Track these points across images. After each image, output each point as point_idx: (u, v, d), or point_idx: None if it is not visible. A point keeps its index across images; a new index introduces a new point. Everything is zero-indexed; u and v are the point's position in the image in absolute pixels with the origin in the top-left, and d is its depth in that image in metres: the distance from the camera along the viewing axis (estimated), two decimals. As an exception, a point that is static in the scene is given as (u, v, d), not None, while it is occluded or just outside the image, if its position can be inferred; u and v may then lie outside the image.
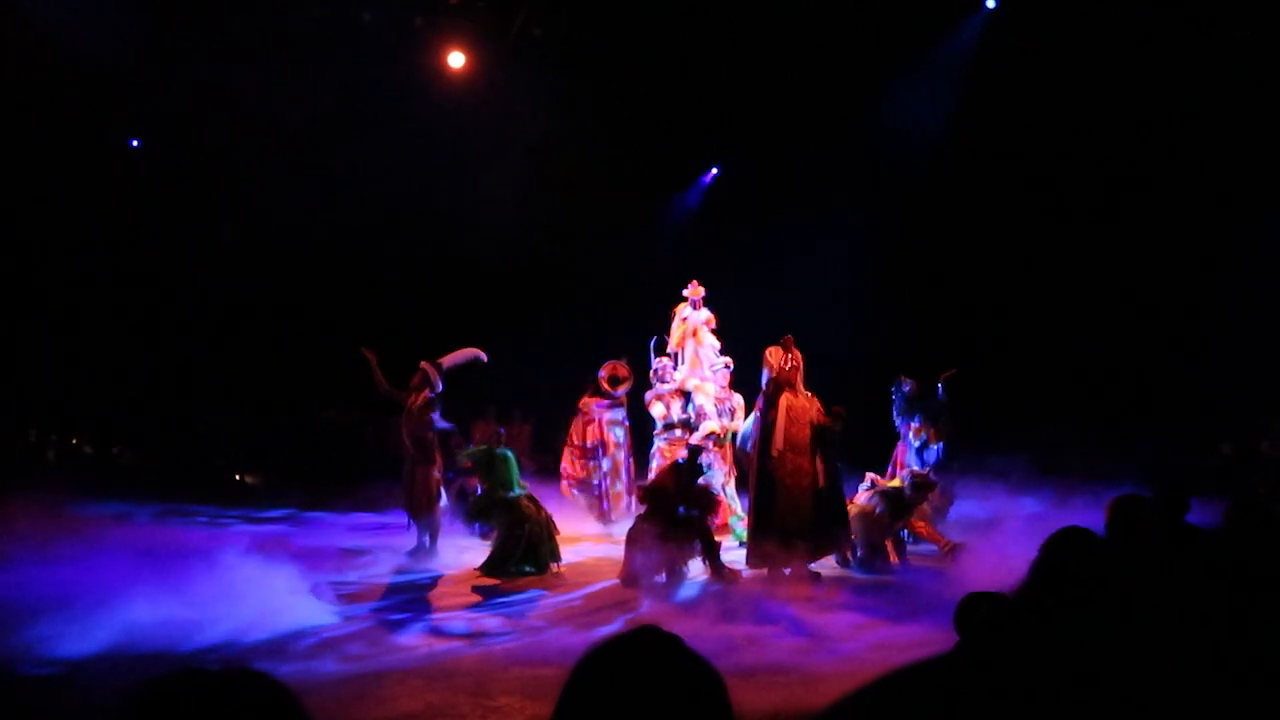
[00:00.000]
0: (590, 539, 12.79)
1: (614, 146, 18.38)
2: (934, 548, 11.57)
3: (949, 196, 18.62)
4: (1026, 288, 18.68)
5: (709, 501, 10.90)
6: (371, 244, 19.56)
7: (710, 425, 12.63)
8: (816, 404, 10.61)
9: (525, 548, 10.62)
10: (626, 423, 14.00)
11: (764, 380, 10.68)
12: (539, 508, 11.13)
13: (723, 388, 13.14)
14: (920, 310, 18.78)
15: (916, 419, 12.94)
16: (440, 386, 11.72)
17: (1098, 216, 18.34)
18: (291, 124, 17.25)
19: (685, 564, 10.29)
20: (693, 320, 13.34)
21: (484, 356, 12.33)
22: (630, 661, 1.47)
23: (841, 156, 18.36)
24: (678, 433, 12.88)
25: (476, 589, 9.77)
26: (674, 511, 10.22)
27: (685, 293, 13.54)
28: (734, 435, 12.40)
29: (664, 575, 9.94)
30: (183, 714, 1.19)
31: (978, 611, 3.84)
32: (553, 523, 11.07)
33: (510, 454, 11.39)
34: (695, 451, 11.04)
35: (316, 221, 18.36)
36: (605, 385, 13.95)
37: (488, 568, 10.55)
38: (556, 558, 10.91)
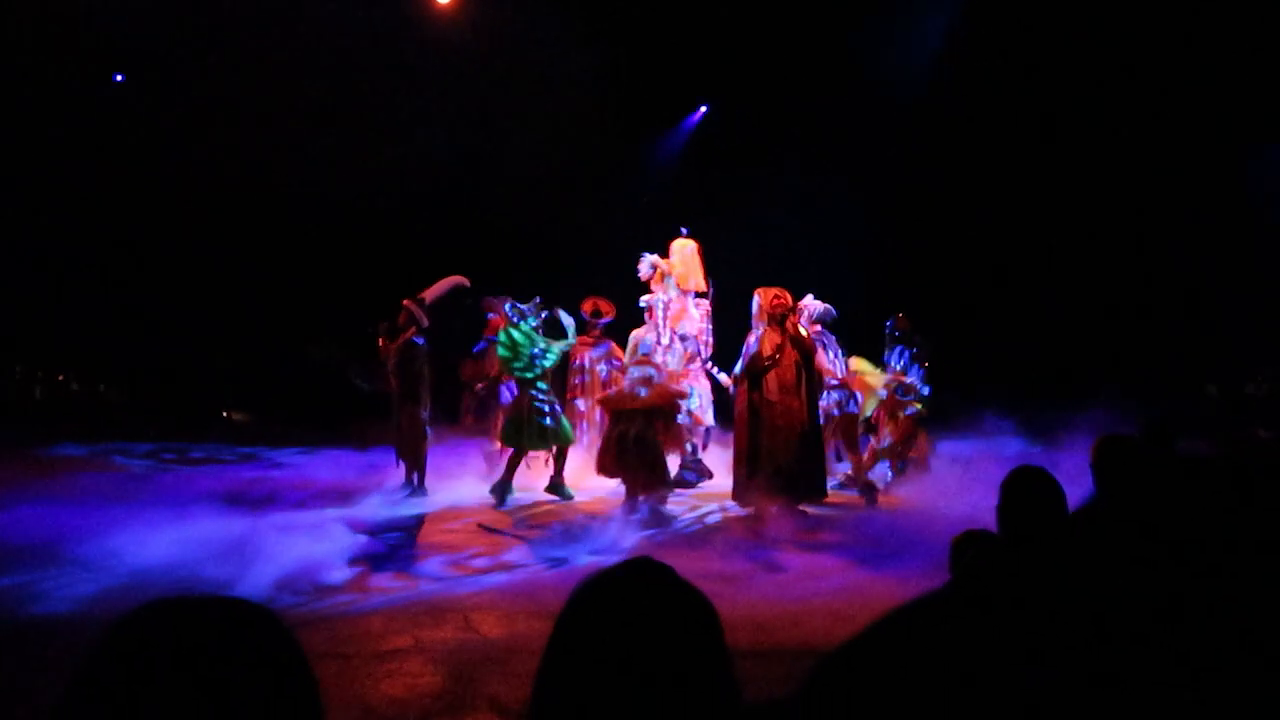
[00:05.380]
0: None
1: (603, 84, 18.18)
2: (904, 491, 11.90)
3: (940, 135, 18.50)
4: (1017, 226, 18.62)
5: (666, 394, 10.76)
6: (357, 182, 19.34)
7: None
8: (806, 338, 10.65)
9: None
10: (615, 362, 13.97)
11: (753, 319, 10.71)
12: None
13: (654, 321, 12.96)
14: (912, 251, 18.74)
15: (897, 354, 13.07)
16: (426, 322, 11.73)
17: (1090, 155, 18.23)
18: (277, 57, 17.03)
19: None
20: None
21: (466, 282, 12.31)
22: (624, 591, 1.47)
23: (832, 94, 18.21)
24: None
25: (464, 527, 9.81)
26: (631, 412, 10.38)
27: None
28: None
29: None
30: (169, 639, 1.18)
31: (967, 550, 3.87)
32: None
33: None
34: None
35: (301, 159, 18.16)
36: (588, 318, 13.97)
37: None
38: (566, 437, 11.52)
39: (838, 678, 1.26)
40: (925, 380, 13.03)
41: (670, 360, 12.22)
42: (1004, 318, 17.84)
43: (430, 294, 11.99)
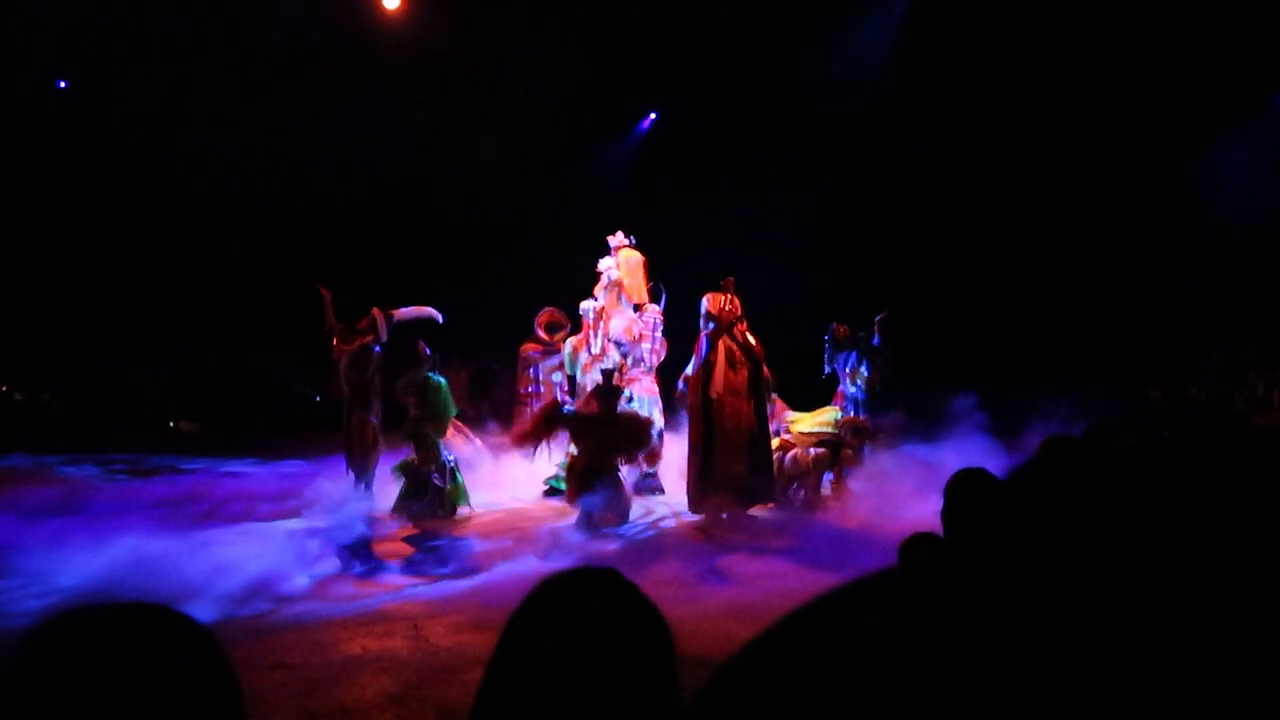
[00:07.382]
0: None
1: (553, 89, 18.15)
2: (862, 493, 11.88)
3: (888, 140, 18.59)
4: (964, 231, 18.74)
5: (637, 429, 10.78)
6: (303, 186, 19.13)
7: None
8: (755, 345, 10.67)
9: (429, 488, 10.85)
10: (567, 370, 13.91)
11: (702, 324, 10.72)
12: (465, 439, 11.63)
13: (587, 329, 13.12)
14: (860, 257, 18.83)
15: (851, 361, 13.06)
16: (385, 336, 11.55)
17: (1037, 157, 18.32)
18: (226, 60, 16.86)
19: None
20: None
21: (439, 318, 12.01)
22: (571, 598, 1.46)
23: (781, 99, 18.27)
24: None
25: (413, 535, 9.76)
26: (599, 433, 10.26)
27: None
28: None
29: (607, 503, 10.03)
30: (83, 646, 1.15)
31: (915, 552, 3.88)
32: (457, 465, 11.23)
33: (444, 381, 11.50)
34: (608, 374, 11.02)
35: (247, 164, 17.98)
36: (542, 332, 13.85)
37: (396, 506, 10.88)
38: (463, 501, 11.08)
39: (757, 671, 1.25)
40: (882, 377, 13.03)
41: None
42: (952, 322, 17.93)
43: (402, 313, 11.75)
